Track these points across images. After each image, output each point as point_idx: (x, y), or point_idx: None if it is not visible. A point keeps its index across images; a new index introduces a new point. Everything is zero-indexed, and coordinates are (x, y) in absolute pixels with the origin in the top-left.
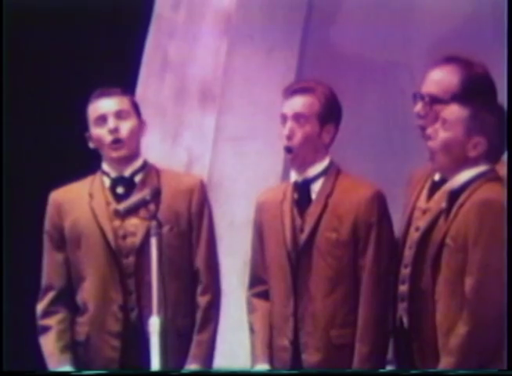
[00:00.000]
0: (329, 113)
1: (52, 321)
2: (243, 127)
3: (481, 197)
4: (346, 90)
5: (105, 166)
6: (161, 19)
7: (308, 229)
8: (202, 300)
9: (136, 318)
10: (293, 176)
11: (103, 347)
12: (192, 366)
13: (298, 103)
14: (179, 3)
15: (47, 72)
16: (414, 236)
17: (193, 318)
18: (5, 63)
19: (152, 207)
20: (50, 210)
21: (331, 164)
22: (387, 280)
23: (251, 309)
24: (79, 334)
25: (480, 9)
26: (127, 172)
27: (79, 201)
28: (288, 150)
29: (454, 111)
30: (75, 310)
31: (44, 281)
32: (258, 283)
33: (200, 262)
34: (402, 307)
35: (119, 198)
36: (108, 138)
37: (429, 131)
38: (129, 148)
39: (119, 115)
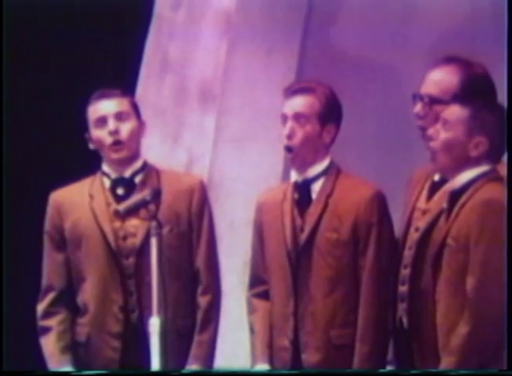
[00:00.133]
0: (330, 114)
1: (52, 322)
2: (244, 127)
3: (482, 196)
4: (346, 90)
5: (105, 167)
6: (161, 20)
7: (308, 229)
8: (202, 300)
9: (137, 319)
10: (294, 176)
11: (104, 348)
12: (193, 366)
13: (299, 103)
14: (179, 3)
15: (47, 72)
16: (414, 236)
17: (194, 318)
18: (5, 63)
19: (152, 207)
20: (50, 210)
21: (331, 164)
22: (388, 280)
23: (251, 309)
24: (79, 334)
25: (480, 9)
26: (127, 173)
27: (79, 202)
28: (288, 149)
29: (455, 111)
30: (75, 311)
31: (44, 282)
32: (258, 283)
33: (200, 262)
34: (401, 307)
35: (119, 199)
36: (108, 139)
37: (430, 131)
38: (129, 149)
39: (119, 117)
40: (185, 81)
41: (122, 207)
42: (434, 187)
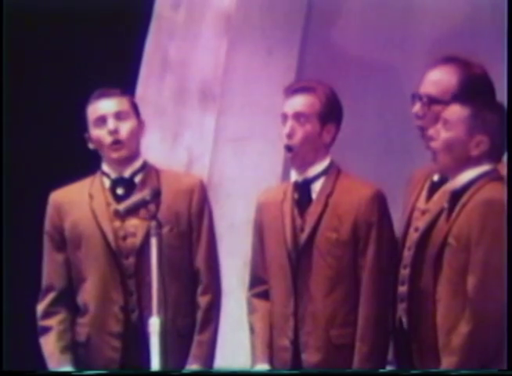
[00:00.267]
0: (330, 113)
1: (52, 322)
2: (244, 127)
3: (484, 196)
4: (346, 90)
5: (105, 167)
6: (161, 19)
7: (308, 228)
8: (202, 300)
9: (137, 319)
10: (294, 176)
11: (104, 347)
12: (193, 366)
13: (299, 103)
14: (179, 3)
15: (47, 72)
16: (413, 236)
17: (194, 318)
18: (5, 63)
19: (152, 207)
20: (50, 210)
21: (331, 163)
22: (388, 280)
23: (251, 310)
24: (80, 334)
25: (480, 9)
26: (127, 173)
27: (79, 202)
28: (288, 148)
29: (455, 111)
30: (76, 311)
31: (44, 282)
32: (258, 283)
33: (200, 262)
34: (401, 308)
35: (119, 199)
36: (108, 139)
37: (430, 131)
38: (129, 149)
39: (118, 116)
40: (185, 81)
41: (122, 207)
42: (434, 187)
